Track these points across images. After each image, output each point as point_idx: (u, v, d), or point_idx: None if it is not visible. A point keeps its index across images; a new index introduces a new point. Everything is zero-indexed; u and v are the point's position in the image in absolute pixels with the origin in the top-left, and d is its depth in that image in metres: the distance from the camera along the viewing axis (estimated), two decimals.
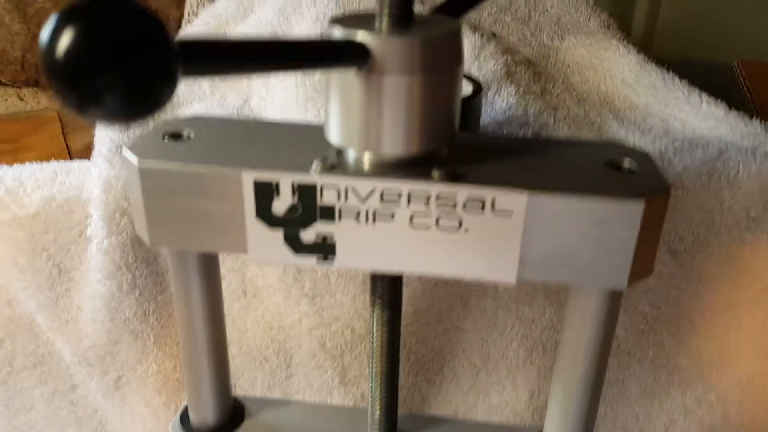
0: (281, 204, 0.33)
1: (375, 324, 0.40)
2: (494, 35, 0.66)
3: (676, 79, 0.59)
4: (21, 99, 1.00)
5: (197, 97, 0.59)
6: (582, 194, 0.31)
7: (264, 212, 0.33)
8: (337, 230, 0.33)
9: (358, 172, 0.33)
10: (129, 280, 0.49)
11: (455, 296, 0.51)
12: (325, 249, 0.34)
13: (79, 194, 0.50)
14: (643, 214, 0.31)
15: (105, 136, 0.53)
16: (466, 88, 0.45)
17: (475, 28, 0.64)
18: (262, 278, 0.51)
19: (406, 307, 0.51)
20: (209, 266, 0.39)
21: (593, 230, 0.32)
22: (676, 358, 0.52)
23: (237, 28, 0.64)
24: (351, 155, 0.34)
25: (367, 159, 0.33)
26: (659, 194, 0.32)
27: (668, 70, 0.61)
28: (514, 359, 0.53)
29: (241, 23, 0.65)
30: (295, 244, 0.34)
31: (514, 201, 0.32)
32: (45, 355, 0.54)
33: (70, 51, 0.18)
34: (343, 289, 0.51)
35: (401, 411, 0.44)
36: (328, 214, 0.33)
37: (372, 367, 0.42)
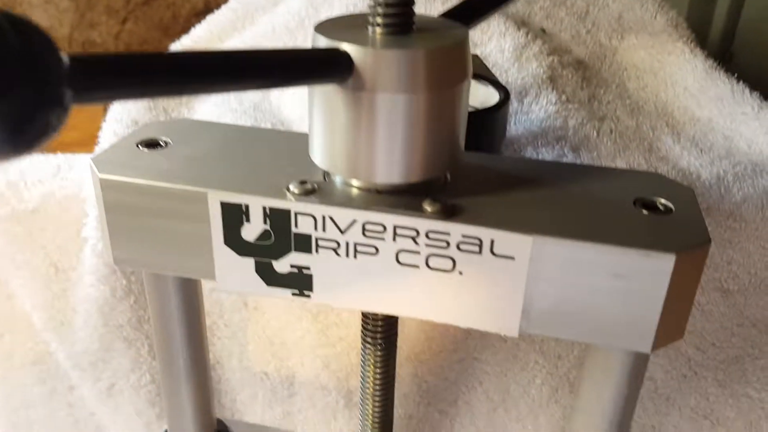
0: (252, 230, 0.29)
1: (366, 364, 0.36)
2: (543, 31, 0.60)
3: (747, 91, 0.52)
4: None
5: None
6: (598, 241, 0.26)
7: (233, 238, 0.29)
8: (315, 263, 0.29)
9: (339, 199, 0.28)
10: (124, 286, 0.46)
11: None
12: (301, 283, 0.30)
13: (78, 192, 0.47)
14: (674, 270, 0.26)
15: (110, 130, 0.50)
16: (491, 97, 0.39)
17: (522, 24, 0.58)
18: None
19: (417, 333, 0.47)
20: (188, 286, 0.36)
21: (611, 284, 0.27)
22: (723, 409, 0.46)
23: (263, 18, 0.60)
24: (338, 179, 0.30)
25: (356, 185, 0.29)
26: (696, 246, 0.26)
27: (740, 80, 0.54)
28: (537, 397, 0.48)
29: (269, 12, 0.61)
30: (267, 275, 0.30)
31: (516, 244, 0.27)
32: (44, 353, 0.53)
33: None
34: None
35: None
36: (304, 244, 0.29)
37: (362, 410, 0.37)
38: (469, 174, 0.31)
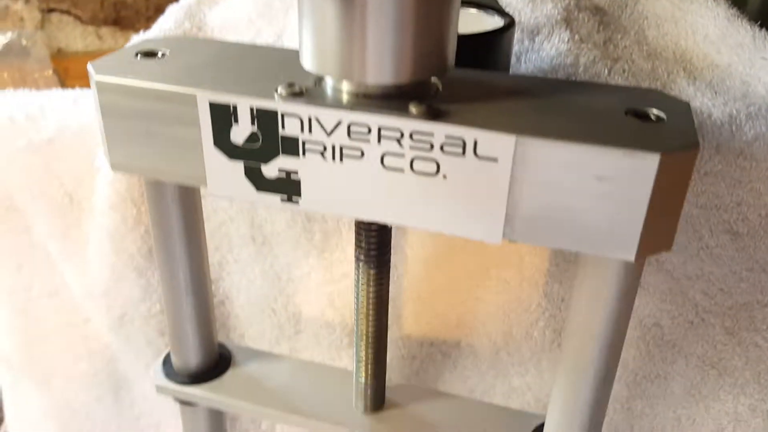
0: (240, 132, 0.29)
1: (360, 282, 0.36)
2: None
3: None
4: (99, 38, 1.01)
5: (232, 31, 0.56)
6: (582, 141, 0.26)
7: (222, 140, 0.30)
8: (302, 167, 0.29)
9: (326, 101, 0.28)
10: (134, 215, 0.47)
11: (475, 263, 0.46)
12: (289, 188, 0.30)
13: (94, 123, 0.48)
14: (658, 172, 0.25)
15: None
16: (497, 25, 0.39)
17: None
18: (270, 224, 0.48)
19: (417, 270, 0.47)
20: (187, 198, 0.36)
21: (595, 187, 0.26)
22: (730, 358, 0.45)
23: None
24: (329, 84, 0.30)
25: (345, 89, 0.29)
26: (683, 149, 0.26)
27: (762, 26, 0.52)
28: (540, 340, 0.47)
29: None
30: (256, 179, 0.30)
31: (499, 145, 0.26)
32: (60, 285, 0.54)
33: None
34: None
35: (401, 380, 0.40)
36: (292, 147, 0.29)
37: (357, 329, 0.38)
38: (460, 85, 0.30)
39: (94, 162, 0.48)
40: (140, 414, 0.58)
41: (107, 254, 0.49)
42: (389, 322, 0.49)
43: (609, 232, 0.27)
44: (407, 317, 0.49)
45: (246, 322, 0.52)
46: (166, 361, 0.42)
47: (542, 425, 0.38)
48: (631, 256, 0.27)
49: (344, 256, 0.48)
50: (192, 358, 0.41)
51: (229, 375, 0.42)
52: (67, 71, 0.87)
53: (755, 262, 0.42)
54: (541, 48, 0.46)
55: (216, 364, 0.42)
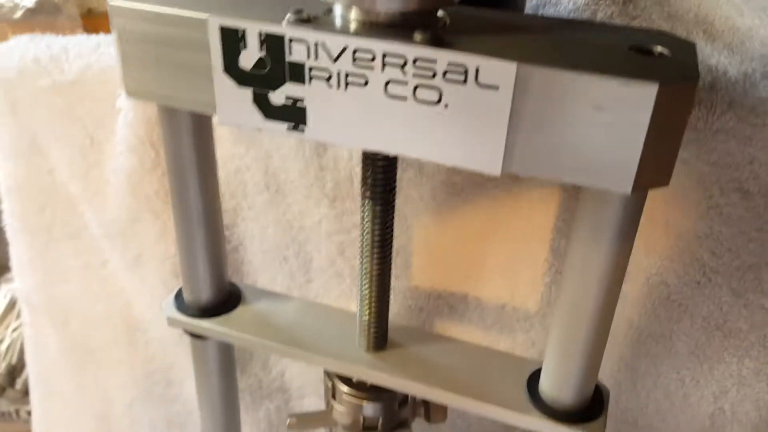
0: (249, 57, 0.30)
1: (365, 219, 0.37)
2: None
3: None
4: None
5: None
6: (583, 71, 0.26)
7: (231, 66, 0.30)
8: (308, 94, 0.30)
9: (333, 28, 0.29)
10: (152, 158, 0.49)
11: (484, 216, 0.46)
12: (295, 115, 0.31)
13: (115, 65, 0.49)
14: (656, 103, 0.25)
15: None
16: None
17: None
18: (284, 172, 0.49)
19: (427, 221, 0.47)
20: (201, 129, 0.37)
21: (594, 117, 0.26)
22: (736, 320, 0.45)
23: None
24: (337, 13, 0.30)
25: (353, 17, 0.30)
26: (682, 81, 0.26)
27: None
28: (545, 295, 0.48)
29: None
30: (264, 106, 0.31)
31: (500, 72, 0.27)
32: (80, 228, 0.56)
33: None
34: None
35: (397, 312, 0.41)
36: (298, 74, 0.30)
37: (361, 267, 0.38)
38: (468, 21, 0.31)
39: (115, 104, 0.49)
40: (153, 356, 0.60)
41: (125, 195, 0.50)
42: (398, 273, 0.50)
43: (606, 164, 0.27)
44: (416, 268, 0.50)
45: (259, 269, 0.54)
46: (178, 296, 0.43)
47: (539, 370, 0.38)
48: (627, 189, 0.27)
49: (355, 206, 0.48)
50: (203, 293, 0.42)
51: (239, 311, 0.43)
52: (97, 30, 0.88)
53: (765, 222, 0.42)
54: (559, 2, 0.46)
55: (226, 300, 0.43)
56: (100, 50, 0.50)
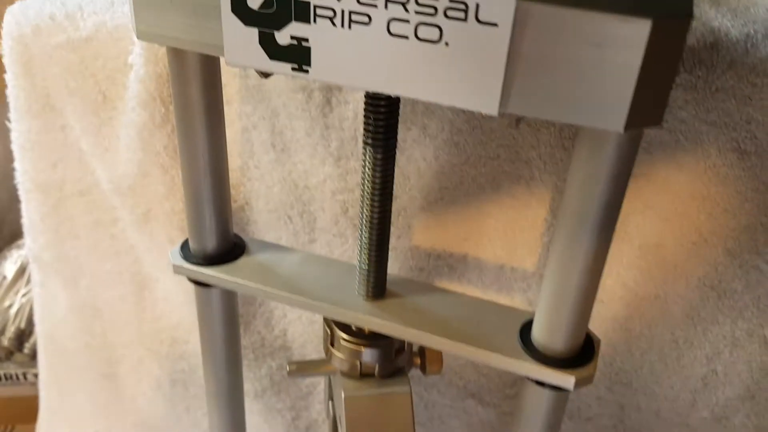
0: None
1: (366, 167, 0.38)
2: None
3: None
4: None
5: None
6: (581, 7, 0.27)
7: (239, 6, 0.31)
8: (313, 34, 0.31)
9: None
10: (162, 114, 0.50)
11: (485, 176, 0.47)
12: (300, 56, 0.32)
13: (129, 22, 0.50)
14: (649, 39, 0.26)
15: None
16: None
17: None
18: (290, 131, 0.50)
19: (429, 181, 0.48)
20: (209, 73, 0.38)
21: (591, 54, 0.27)
22: (731, 281, 0.46)
23: None
24: None
25: None
26: (674, 16, 0.27)
27: None
28: (543, 256, 0.49)
29: None
30: (270, 47, 0.32)
31: (500, 9, 0.28)
32: (91, 184, 0.57)
33: None
34: None
35: (398, 273, 0.42)
36: (303, 13, 0.31)
37: (362, 215, 0.39)
38: None
39: (127, 60, 0.50)
40: (161, 314, 0.61)
41: (135, 150, 0.51)
42: (399, 233, 0.51)
43: (600, 102, 0.28)
44: (417, 228, 0.51)
45: (264, 229, 0.55)
46: (184, 246, 0.45)
47: (532, 321, 0.39)
48: (620, 127, 0.28)
49: (358, 165, 0.49)
50: (208, 242, 0.43)
51: (242, 261, 0.44)
52: None
53: (761, 182, 0.43)
54: None
55: (230, 251, 0.44)
56: (114, 8, 0.51)
